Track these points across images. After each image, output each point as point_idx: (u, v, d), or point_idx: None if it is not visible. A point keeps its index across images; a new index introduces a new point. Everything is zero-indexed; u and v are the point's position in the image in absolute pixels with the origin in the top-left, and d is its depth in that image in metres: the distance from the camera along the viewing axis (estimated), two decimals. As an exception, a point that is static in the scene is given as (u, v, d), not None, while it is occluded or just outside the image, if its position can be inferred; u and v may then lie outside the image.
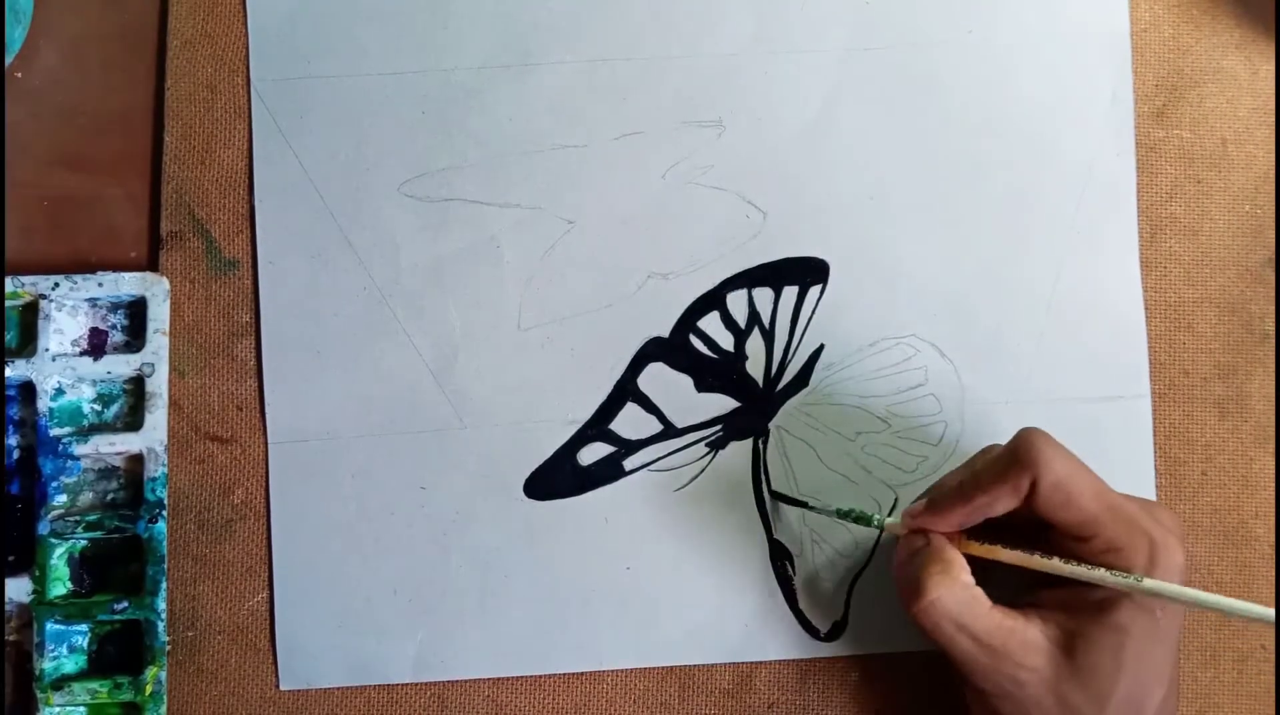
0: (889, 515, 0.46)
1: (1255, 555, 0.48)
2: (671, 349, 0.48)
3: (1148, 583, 0.38)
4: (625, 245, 0.48)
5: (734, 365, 0.48)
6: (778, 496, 0.47)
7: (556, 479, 0.48)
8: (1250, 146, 0.50)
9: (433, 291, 0.48)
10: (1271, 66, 0.50)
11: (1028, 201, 0.49)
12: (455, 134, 0.48)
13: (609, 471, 0.48)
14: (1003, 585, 0.42)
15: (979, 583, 0.41)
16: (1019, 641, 0.40)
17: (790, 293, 0.49)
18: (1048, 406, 0.48)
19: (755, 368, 0.48)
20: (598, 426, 0.48)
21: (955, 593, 0.40)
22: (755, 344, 0.49)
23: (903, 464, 0.48)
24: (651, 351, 0.48)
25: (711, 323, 0.49)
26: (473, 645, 0.47)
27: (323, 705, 0.47)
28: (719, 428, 0.48)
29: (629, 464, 0.48)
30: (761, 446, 0.48)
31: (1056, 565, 0.40)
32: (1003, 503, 0.40)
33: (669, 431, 0.48)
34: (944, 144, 0.49)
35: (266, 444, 0.47)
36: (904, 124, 0.49)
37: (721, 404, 0.48)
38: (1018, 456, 0.40)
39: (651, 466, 0.48)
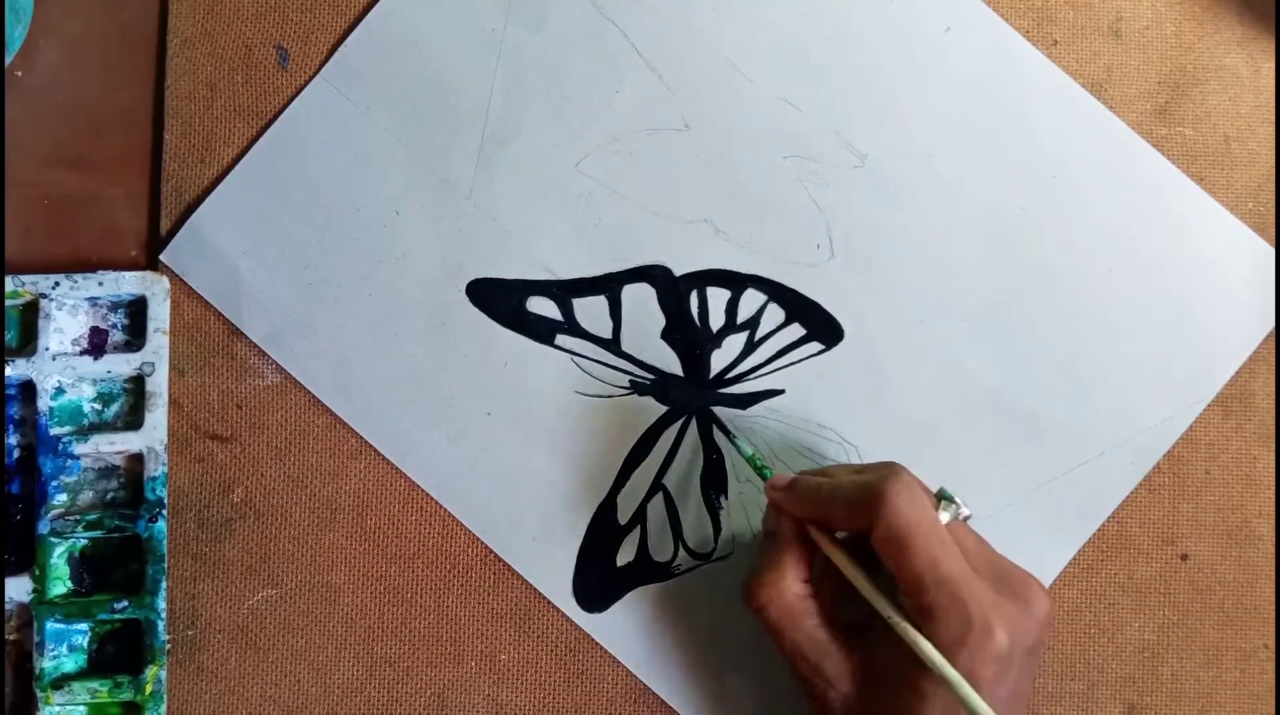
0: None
1: (1259, 555, 0.48)
2: (671, 287, 0.48)
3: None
4: (710, 180, 0.48)
5: (704, 343, 0.48)
6: (718, 424, 0.48)
7: (500, 301, 0.48)
8: (1253, 144, 0.49)
9: None
10: (1273, 64, 0.50)
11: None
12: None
13: (543, 331, 0.48)
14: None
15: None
16: (833, 663, 0.40)
17: (795, 331, 0.48)
18: None
19: (719, 358, 0.48)
20: (561, 288, 0.48)
21: (781, 604, 0.40)
22: (734, 342, 0.48)
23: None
24: (655, 274, 0.48)
25: (717, 296, 0.48)
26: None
27: (322, 705, 0.47)
28: (652, 378, 0.48)
29: (561, 341, 0.48)
30: (693, 425, 0.48)
31: (865, 588, 0.39)
32: (847, 526, 0.41)
33: (612, 345, 0.48)
34: None
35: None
36: None
37: (668, 362, 0.48)
38: (869, 494, 0.39)
39: (575, 357, 0.48)
